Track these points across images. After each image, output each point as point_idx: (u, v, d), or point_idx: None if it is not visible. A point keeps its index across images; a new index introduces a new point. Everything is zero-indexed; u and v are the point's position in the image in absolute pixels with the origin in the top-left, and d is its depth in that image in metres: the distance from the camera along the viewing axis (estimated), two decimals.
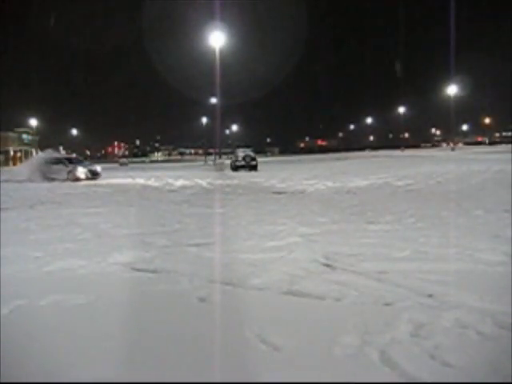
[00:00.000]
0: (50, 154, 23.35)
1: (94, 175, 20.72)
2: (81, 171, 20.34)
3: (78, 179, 19.53)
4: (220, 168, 29.15)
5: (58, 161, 21.51)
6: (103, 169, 23.69)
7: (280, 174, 21.25)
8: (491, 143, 74.89)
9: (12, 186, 16.88)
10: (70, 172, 20.13)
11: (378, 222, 6.25)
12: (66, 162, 21.27)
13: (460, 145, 70.33)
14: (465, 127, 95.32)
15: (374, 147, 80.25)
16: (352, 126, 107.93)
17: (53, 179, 19.59)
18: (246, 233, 5.70)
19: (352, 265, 3.93)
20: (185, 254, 4.58)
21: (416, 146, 75.88)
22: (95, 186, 16.46)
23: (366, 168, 22.51)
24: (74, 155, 32.36)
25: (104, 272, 3.98)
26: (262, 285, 3.43)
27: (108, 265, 4.20)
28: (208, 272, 3.83)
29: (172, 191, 13.34)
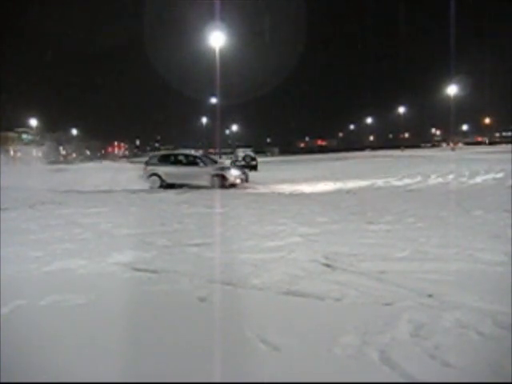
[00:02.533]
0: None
1: (246, 180, 14.76)
2: (235, 175, 14.10)
3: (231, 185, 13.57)
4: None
5: (194, 159, 14.58)
6: None
7: (280, 174, 21.24)
8: (491, 143, 74.85)
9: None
10: (216, 176, 13.67)
11: (378, 222, 6.25)
12: (207, 161, 14.68)
13: (460, 145, 70.24)
14: (465, 127, 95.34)
15: (374, 147, 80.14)
16: (352, 126, 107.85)
17: (182, 185, 13.78)
18: (246, 233, 5.70)
19: (352, 265, 3.94)
20: (185, 254, 4.58)
21: (416, 146, 75.79)
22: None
23: (366, 168, 22.51)
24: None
25: (104, 272, 3.98)
26: (262, 285, 3.43)
27: (108, 265, 4.20)
28: (208, 272, 3.84)
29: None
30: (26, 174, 17.01)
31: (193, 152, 16.45)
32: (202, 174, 13.82)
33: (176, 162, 14.58)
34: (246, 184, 14.38)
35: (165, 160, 14.78)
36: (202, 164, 14.16)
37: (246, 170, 15.27)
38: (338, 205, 8.51)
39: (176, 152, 16.26)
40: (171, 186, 13.82)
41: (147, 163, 14.99)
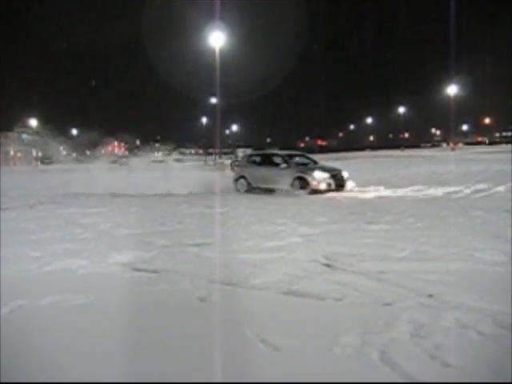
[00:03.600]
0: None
1: (339, 186, 11.49)
2: (319, 178, 11.29)
3: (314, 191, 11.06)
4: (220, 168, 29.10)
5: (277, 159, 12.42)
6: None
7: None
8: (491, 143, 74.79)
9: None
10: (296, 179, 11.43)
11: (378, 222, 6.25)
12: (291, 162, 12.10)
13: (460, 145, 70.15)
14: (465, 127, 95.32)
15: (374, 147, 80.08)
16: (352, 126, 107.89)
17: (269, 190, 11.94)
18: (246, 233, 5.70)
19: (352, 265, 3.94)
20: (185, 254, 4.58)
21: (416, 146, 75.75)
22: None
23: (366, 168, 22.51)
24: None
25: (104, 272, 3.98)
26: (262, 285, 3.43)
27: (108, 265, 4.20)
28: (208, 272, 3.84)
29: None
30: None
31: (278, 151, 13.97)
32: (282, 176, 11.75)
33: (262, 162, 12.68)
34: (341, 192, 11.19)
35: (253, 161, 13.02)
36: (283, 165, 11.94)
37: (344, 172, 11.84)
38: (337, 205, 8.51)
39: (264, 151, 14.34)
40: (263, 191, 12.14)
41: (238, 164, 13.29)
